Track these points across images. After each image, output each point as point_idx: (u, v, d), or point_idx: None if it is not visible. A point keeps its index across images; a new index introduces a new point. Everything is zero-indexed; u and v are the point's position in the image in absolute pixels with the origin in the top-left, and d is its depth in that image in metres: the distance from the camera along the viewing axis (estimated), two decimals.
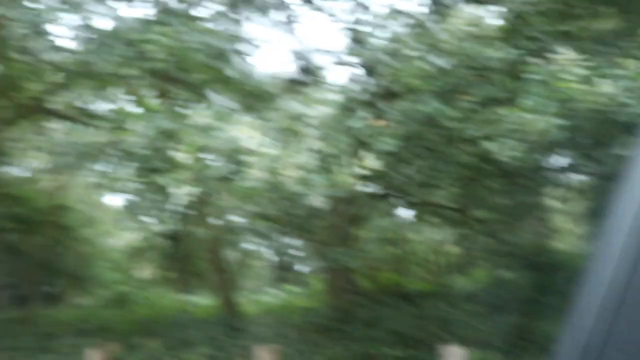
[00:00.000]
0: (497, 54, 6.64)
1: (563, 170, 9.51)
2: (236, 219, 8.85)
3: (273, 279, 16.49)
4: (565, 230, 12.34)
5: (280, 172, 5.64)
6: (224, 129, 5.88)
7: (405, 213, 11.68)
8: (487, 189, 9.17)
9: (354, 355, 9.47)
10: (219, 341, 9.90)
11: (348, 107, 6.29)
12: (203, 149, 5.83)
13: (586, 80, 6.09)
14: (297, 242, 11.43)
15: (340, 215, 9.55)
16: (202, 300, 12.97)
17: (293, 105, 5.81)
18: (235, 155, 5.81)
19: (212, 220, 9.60)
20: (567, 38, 7.02)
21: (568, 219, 12.15)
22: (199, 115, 6.04)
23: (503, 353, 8.75)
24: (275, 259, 16.64)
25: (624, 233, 0.46)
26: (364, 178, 6.43)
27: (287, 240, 12.39)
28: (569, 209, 11.67)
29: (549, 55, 6.46)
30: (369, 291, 11.44)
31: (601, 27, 8.01)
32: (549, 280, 9.53)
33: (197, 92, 7.04)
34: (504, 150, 6.27)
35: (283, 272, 16.37)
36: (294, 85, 5.88)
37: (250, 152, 5.72)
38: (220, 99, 6.60)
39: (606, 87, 6.08)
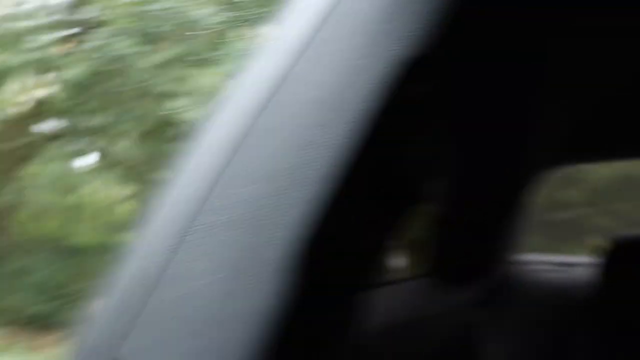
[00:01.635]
0: (208, 15, 6.67)
1: None
2: None
3: None
4: None
5: None
6: None
7: (82, 161, 11.12)
8: (165, 152, 9.19)
9: None
10: None
11: (43, 25, 5.76)
12: None
13: None
14: None
15: (6, 144, 8.67)
16: None
17: None
18: None
19: None
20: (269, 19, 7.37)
21: None
22: None
23: None
24: None
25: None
26: (39, 108, 5.97)
27: None
28: None
29: (252, 29, 6.71)
30: (24, 238, 10.64)
31: None
32: None
33: None
34: (187, 111, 6.36)
35: None
36: None
37: None
38: None
39: None
